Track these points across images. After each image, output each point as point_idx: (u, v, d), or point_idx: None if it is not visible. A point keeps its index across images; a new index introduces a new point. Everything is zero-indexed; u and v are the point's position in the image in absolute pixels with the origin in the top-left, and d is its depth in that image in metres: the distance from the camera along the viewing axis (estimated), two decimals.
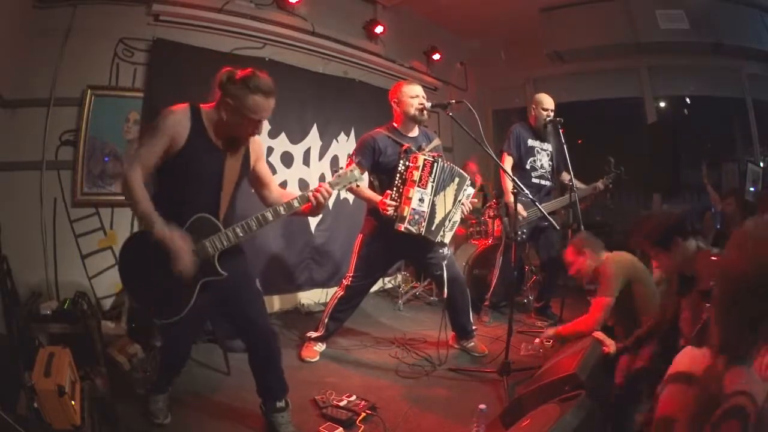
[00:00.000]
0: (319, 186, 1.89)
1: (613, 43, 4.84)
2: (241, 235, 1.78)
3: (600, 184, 3.55)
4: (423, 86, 2.85)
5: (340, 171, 1.98)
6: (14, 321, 2.15)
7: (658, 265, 1.99)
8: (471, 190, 2.79)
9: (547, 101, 3.49)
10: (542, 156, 3.53)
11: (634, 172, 4.46)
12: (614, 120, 5.50)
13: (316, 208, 1.90)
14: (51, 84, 2.85)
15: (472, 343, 2.95)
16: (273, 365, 1.98)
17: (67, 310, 2.52)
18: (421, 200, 2.55)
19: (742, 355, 0.88)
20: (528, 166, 3.47)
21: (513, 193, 2.61)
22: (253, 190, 2.04)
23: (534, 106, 3.54)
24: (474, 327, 3.02)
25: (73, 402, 1.70)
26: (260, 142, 2.01)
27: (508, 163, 3.44)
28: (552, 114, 3.46)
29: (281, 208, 1.84)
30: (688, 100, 5.39)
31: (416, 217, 2.54)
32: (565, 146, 3.22)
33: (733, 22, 4.60)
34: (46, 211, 2.89)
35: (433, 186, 2.58)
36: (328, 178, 4.14)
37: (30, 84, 2.83)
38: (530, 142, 3.50)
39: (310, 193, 1.87)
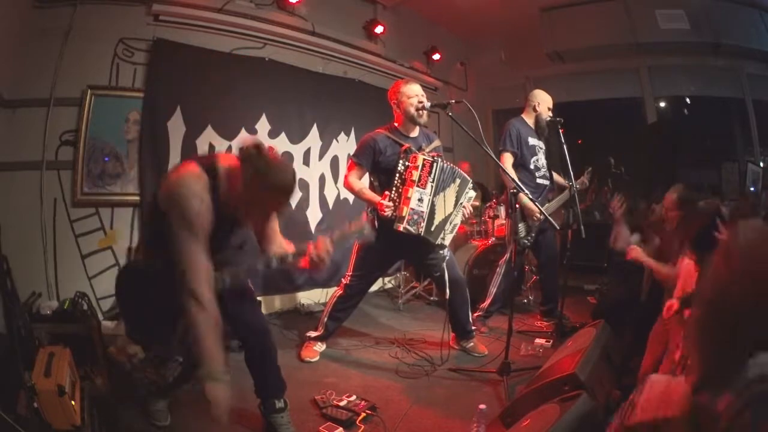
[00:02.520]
0: (319, 243, 1.75)
1: (613, 43, 4.84)
2: (228, 281, 1.69)
3: (585, 180, 3.49)
4: (423, 86, 2.85)
5: (348, 226, 1.84)
6: (14, 321, 2.14)
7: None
8: (473, 194, 2.78)
9: (550, 101, 3.40)
10: (541, 155, 3.41)
11: (634, 172, 4.46)
12: (614, 120, 5.50)
13: (317, 264, 1.76)
14: (51, 84, 2.85)
15: (472, 344, 2.95)
16: (269, 362, 1.97)
17: (67, 310, 2.52)
18: (420, 200, 2.55)
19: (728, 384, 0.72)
20: (532, 166, 3.31)
21: (513, 193, 2.59)
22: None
23: (537, 103, 3.37)
24: (474, 327, 3.02)
25: (73, 402, 1.71)
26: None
27: (509, 162, 3.22)
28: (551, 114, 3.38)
29: (273, 260, 1.76)
30: (688, 100, 5.39)
31: (415, 217, 2.54)
32: (565, 146, 3.21)
33: (733, 22, 4.60)
34: (46, 211, 2.89)
35: (432, 186, 2.57)
36: (328, 178, 4.19)
37: (30, 84, 2.83)
38: (531, 140, 3.34)
39: (310, 248, 1.76)
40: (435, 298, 4.14)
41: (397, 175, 2.59)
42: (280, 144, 3.81)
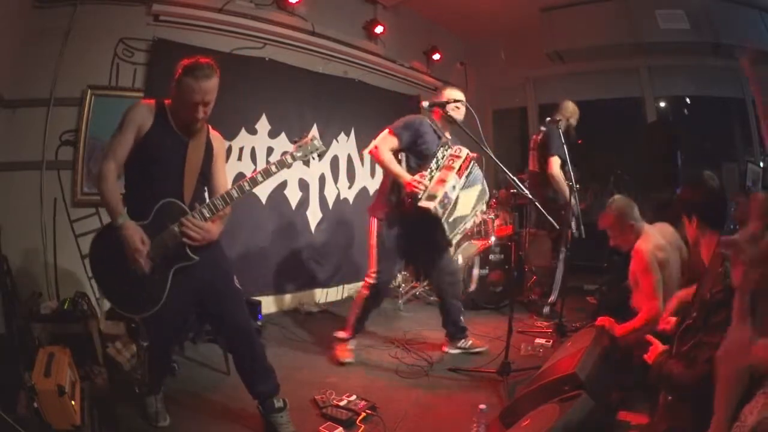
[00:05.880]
0: (282, 156, 1.92)
1: (613, 43, 4.84)
2: (208, 215, 1.79)
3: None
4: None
5: (301, 141, 1.97)
6: (14, 321, 2.14)
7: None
8: (484, 207, 2.84)
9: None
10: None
11: (633, 171, 4.46)
12: (614, 120, 5.50)
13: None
14: (51, 84, 2.85)
15: (471, 342, 2.95)
16: (257, 364, 1.97)
17: (67, 310, 2.51)
18: (453, 188, 2.53)
19: None
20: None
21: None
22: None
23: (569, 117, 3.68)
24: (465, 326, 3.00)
25: (73, 402, 1.71)
26: (222, 143, 2.05)
27: (557, 164, 3.50)
28: None
29: (246, 184, 1.84)
30: (688, 100, 5.39)
31: (445, 201, 2.49)
32: (565, 147, 3.22)
33: (733, 22, 4.60)
34: (46, 211, 2.89)
35: (465, 180, 2.59)
36: (328, 178, 4.19)
37: (30, 84, 2.82)
38: None
39: (273, 166, 1.88)
40: (435, 299, 4.13)
41: (435, 159, 2.58)
42: (280, 144, 3.82)
